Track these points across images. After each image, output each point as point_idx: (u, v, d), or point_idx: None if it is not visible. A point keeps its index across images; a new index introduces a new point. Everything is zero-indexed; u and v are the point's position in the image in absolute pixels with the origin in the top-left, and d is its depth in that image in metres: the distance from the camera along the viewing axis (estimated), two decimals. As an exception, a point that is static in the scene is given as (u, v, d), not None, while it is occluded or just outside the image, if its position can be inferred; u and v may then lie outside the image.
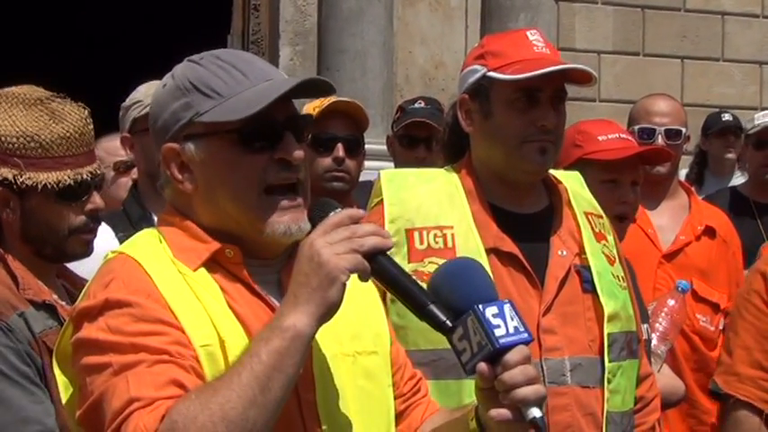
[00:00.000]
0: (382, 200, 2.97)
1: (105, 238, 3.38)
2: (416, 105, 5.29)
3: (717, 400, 3.22)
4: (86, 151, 2.85)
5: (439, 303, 2.02)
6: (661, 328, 3.94)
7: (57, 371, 2.19)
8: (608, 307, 2.93)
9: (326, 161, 4.08)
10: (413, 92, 8.18)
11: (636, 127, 4.77)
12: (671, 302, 4.01)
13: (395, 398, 2.31)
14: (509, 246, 2.93)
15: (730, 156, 6.84)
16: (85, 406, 2.03)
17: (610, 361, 2.92)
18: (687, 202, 4.73)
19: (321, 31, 8.83)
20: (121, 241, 3.24)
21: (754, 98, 10.18)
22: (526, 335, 1.99)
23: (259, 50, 8.83)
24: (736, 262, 4.62)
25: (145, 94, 3.86)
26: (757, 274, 3.16)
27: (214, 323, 2.06)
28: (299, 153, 2.14)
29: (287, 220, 2.13)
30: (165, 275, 2.09)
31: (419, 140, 5.13)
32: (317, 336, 2.02)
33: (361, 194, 3.82)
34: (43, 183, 2.77)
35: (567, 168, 3.43)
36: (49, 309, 2.74)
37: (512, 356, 1.96)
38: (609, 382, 2.92)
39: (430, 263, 2.85)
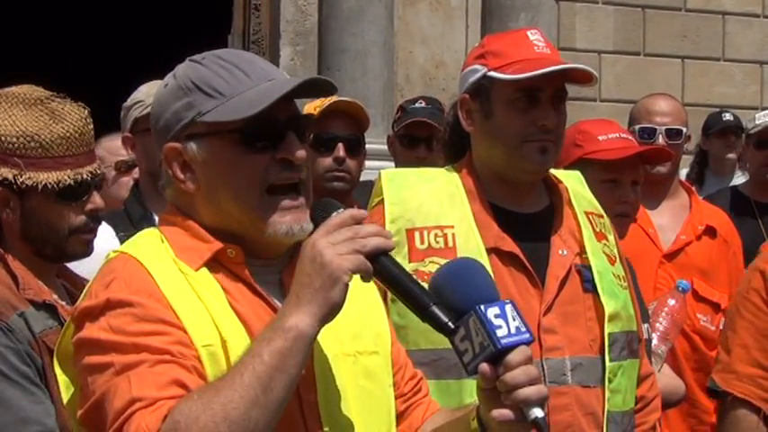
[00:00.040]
0: (383, 199, 2.97)
1: (106, 237, 3.38)
2: (417, 105, 5.29)
3: (714, 397, 3.22)
4: (86, 151, 2.85)
5: (441, 304, 2.02)
6: (661, 328, 3.94)
7: (58, 370, 2.19)
8: (609, 306, 2.93)
9: (327, 161, 4.08)
10: (413, 91, 8.18)
11: (636, 127, 4.77)
12: (671, 302, 4.01)
13: (395, 398, 2.31)
14: (510, 245, 2.93)
15: (731, 156, 6.83)
16: (87, 406, 2.03)
17: (610, 360, 2.92)
18: (688, 202, 4.73)
19: (322, 30, 8.83)
20: (122, 241, 3.24)
21: (755, 98, 10.17)
22: (528, 335, 1.99)
23: (260, 50, 8.82)
24: (737, 262, 4.61)
25: (146, 94, 3.86)
26: (756, 272, 3.15)
27: (216, 323, 2.06)
28: (301, 153, 2.14)
29: (289, 220, 2.13)
30: (167, 275, 2.09)
31: (420, 140, 5.13)
32: (318, 336, 2.02)
33: (362, 194, 3.82)
34: (43, 183, 2.77)
35: (567, 168, 3.43)
36: (50, 309, 2.74)
37: (514, 357, 1.96)
38: (609, 381, 2.92)
39: (431, 262, 2.85)
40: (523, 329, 1.99)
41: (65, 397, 2.18)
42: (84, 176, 2.82)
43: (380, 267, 2.03)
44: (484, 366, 1.96)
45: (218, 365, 2.03)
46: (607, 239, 3.08)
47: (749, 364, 3.08)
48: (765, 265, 3.13)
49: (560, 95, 2.99)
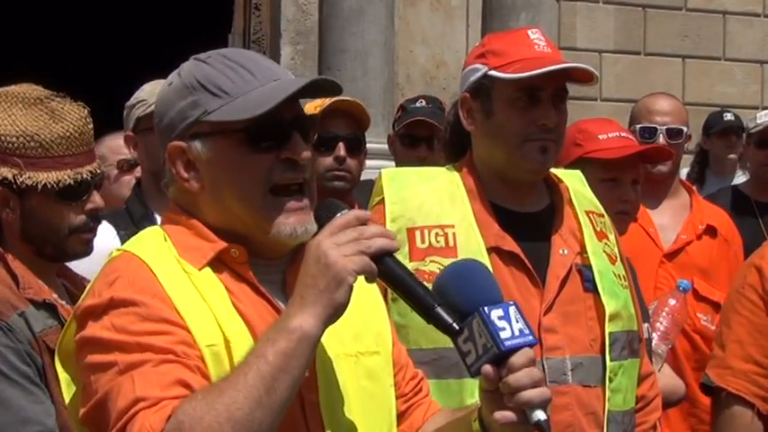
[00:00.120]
0: (383, 199, 2.97)
1: (107, 236, 3.38)
2: (418, 104, 5.28)
3: (708, 393, 3.21)
4: (86, 150, 2.85)
5: (445, 305, 2.02)
6: (662, 328, 3.94)
7: (59, 368, 2.18)
8: (609, 306, 2.93)
9: (328, 160, 4.08)
10: (414, 91, 8.17)
11: (637, 126, 4.77)
12: (672, 302, 4.01)
13: (396, 398, 2.30)
14: (510, 245, 2.93)
15: (732, 156, 6.83)
16: (90, 405, 2.02)
17: (611, 360, 2.92)
18: (688, 202, 4.73)
19: (322, 30, 8.83)
20: (123, 240, 3.25)
21: (756, 97, 10.17)
22: (531, 337, 1.99)
23: (260, 49, 8.82)
24: (738, 261, 4.60)
25: (149, 93, 3.86)
26: (752, 267, 3.14)
27: (219, 323, 2.06)
28: (306, 153, 2.14)
29: (293, 221, 2.13)
30: (171, 274, 2.09)
31: (420, 139, 5.12)
32: (320, 337, 2.02)
33: (362, 193, 3.82)
34: (43, 182, 2.77)
35: (567, 167, 3.43)
36: (50, 308, 2.74)
37: (517, 359, 1.96)
38: (610, 381, 2.92)
39: (431, 262, 2.85)
40: (527, 331, 1.99)
41: (66, 395, 2.17)
42: (84, 176, 2.82)
43: (385, 268, 2.03)
44: (487, 368, 1.96)
45: (222, 365, 2.02)
46: (608, 239, 3.08)
47: (744, 360, 3.07)
48: (761, 261, 3.13)
49: (561, 95, 2.99)
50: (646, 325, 3.60)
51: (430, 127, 5.03)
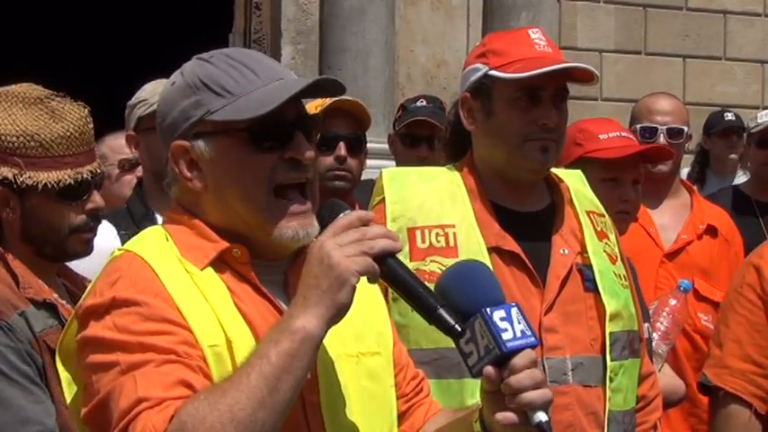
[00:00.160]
0: (384, 198, 2.97)
1: (107, 236, 3.38)
2: (418, 104, 5.28)
3: (706, 393, 3.20)
4: (86, 150, 2.85)
5: (447, 307, 2.02)
6: (662, 328, 3.94)
7: (60, 367, 2.18)
8: (610, 306, 2.93)
9: (328, 160, 4.08)
10: (414, 90, 8.17)
11: (638, 126, 4.77)
12: (672, 302, 4.01)
13: (397, 398, 2.30)
14: (511, 244, 2.93)
15: (733, 156, 6.82)
16: (91, 405, 2.02)
17: (611, 360, 2.92)
18: (689, 201, 4.73)
19: (323, 29, 8.82)
20: (124, 239, 3.24)
21: (756, 97, 10.16)
22: (533, 339, 1.99)
23: (261, 49, 8.81)
24: (738, 261, 4.59)
25: (151, 93, 3.87)
26: (750, 266, 3.13)
27: (221, 323, 2.06)
28: (309, 153, 2.14)
29: (295, 225, 2.13)
30: (173, 274, 2.09)
31: (421, 139, 5.12)
32: (320, 337, 2.02)
33: (363, 193, 3.82)
34: (43, 182, 2.77)
35: (567, 167, 3.43)
36: (50, 308, 2.74)
37: (519, 360, 1.96)
38: (611, 381, 2.92)
39: (432, 261, 2.85)
40: (529, 333, 1.99)
41: (67, 395, 2.17)
42: (85, 176, 2.82)
43: (387, 269, 2.03)
44: (489, 369, 1.96)
45: (224, 366, 2.02)
46: (608, 238, 3.08)
47: (742, 360, 3.06)
48: (759, 260, 3.12)
49: (561, 94, 2.99)
50: (646, 325, 3.60)
51: (430, 126, 5.03)
